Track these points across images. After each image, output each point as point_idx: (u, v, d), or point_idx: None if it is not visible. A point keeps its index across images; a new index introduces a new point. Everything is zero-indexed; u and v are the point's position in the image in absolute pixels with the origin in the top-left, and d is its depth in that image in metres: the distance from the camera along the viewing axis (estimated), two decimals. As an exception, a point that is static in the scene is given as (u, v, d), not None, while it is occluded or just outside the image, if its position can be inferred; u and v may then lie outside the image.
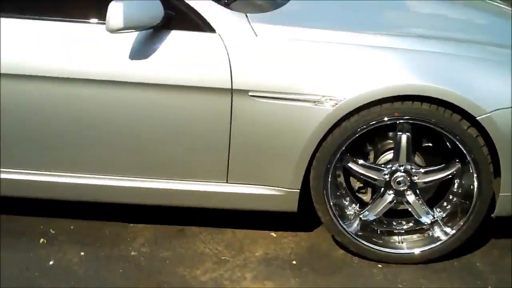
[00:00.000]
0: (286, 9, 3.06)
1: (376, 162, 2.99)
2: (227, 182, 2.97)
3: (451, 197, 3.04)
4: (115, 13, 2.57)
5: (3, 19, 2.82)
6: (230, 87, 2.75)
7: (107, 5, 2.59)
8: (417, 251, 3.01)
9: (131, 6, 2.59)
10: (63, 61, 2.77)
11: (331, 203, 2.94)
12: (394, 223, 3.10)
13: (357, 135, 2.80)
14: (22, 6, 2.87)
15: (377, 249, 3.01)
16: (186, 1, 2.76)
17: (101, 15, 2.75)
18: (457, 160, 2.91)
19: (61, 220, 3.28)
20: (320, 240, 3.20)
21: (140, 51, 2.75)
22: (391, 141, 2.96)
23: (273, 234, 3.25)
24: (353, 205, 3.06)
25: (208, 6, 2.79)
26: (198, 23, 2.78)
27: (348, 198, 3.05)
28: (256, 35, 2.78)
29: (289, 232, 3.26)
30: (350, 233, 2.99)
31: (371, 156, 3.03)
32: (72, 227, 3.24)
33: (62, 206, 3.28)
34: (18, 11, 2.84)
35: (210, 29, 2.77)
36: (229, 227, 3.27)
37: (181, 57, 2.76)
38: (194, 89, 2.77)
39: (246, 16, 2.84)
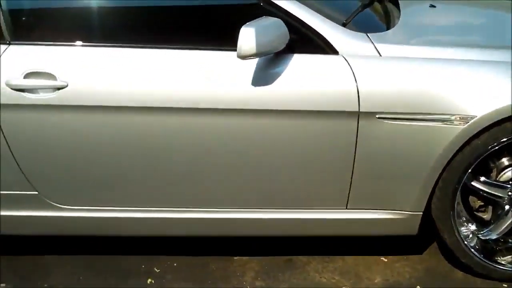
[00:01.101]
0: (402, 26, 2.98)
1: (497, 179, 2.92)
2: (346, 209, 2.87)
3: None
4: (248, 38, 2.46)
5: (127, 50, 2.69)
6: (357, 110, 2.65)
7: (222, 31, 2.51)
8: None
9: (261, 31, 2.48)
10: (183, 91, 2.64)
11: (457, 224, 2.86)
12: (510, 240, 3.04)
13: (487, 153, 2.73)
14: (136, 37, 2.74)
15: (502, 268, 2.93)
16: (308, 23, 2.67)
17: (218, 42, 2.67)
18: None
19: (161, 258, 3.13)
20: (433, 263, 3.11)
21: (263, 77, 2.64)
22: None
23: (383, 259, 3.15)
24: (469, 225, 2.98)
25: (330, 28, 2.69)
26: (320, 45, 2.68)
27: (464, 218, 2.97)
28: (380, 55, 2.70)
29: (399, 256, 3.16)
30: (476, 254, 2.91)
31: (494, 173, 2.96)
32: (175, 264, 3.09)
33: (156, 242, 3.14)
34: (136, 42, 2.71)
35: (333, 51, 2.68)
36: (335, 254, 3.16)
37: (305, 81, 2.65)
38: (319, 113, 2.66)
39: (367, 35, 2.75)
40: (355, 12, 2.96)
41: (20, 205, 2.86)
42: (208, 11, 2.81)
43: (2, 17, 2.69)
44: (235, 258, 3.13)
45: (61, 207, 2.86)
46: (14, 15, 2.75)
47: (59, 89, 2.64)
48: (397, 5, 3.31)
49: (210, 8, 2.82)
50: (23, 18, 2.82)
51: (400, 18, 3.06)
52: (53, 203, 2.86)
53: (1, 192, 2.84)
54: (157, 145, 2.72)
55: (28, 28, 2.79)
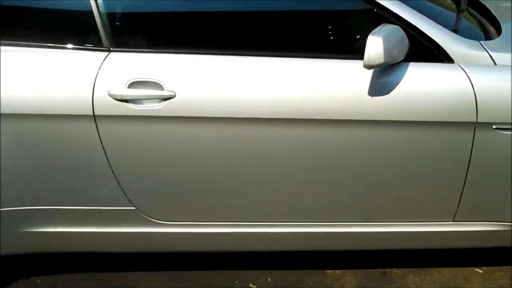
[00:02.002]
0: (507, 34, 2.90)
1: None
2: (453, 221, 2.78)
3: None
4: (376, 47, 2.35)
5: (237, 58, 2.55)
6: (475, 120, 2.56)
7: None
8: None
9: (388, 40, 2.39)
10: (293, 101, 2.52)
11: None
12: None
13: None
14: (246, 45, 2.61)
15: None
16: (423, 31, 2.57)
17: (332, 50, 2.56)
18: None
19: (253, 273, 3.01)
20: (530, 273, 3.06)
21: (378, 87, 2.53)
22: None
23: (478, 270, 3.08)
24: None
25: (445, 35, 2.59)
26: (435, 53, 2.58)
27: None
28: (495, 64, 2.61)
29: (493, 267, 3.09)
30: None
31: None
32: (269, 279, 2.98)
33: (243, 256, 3.03)
34: (246, 50, 2.58)
35: (449, 59, 2.58)
36: (427, 266, 3.08)
37: (421, 91, 2.55)
38: (434, 124, 2.57)
39: (481, 43, 2.67)
40: (458, 18, 2.87)
41: (116, 221, 2.73)
42: (318, 17, 2.69)
43: (100, 23, 2.55)
44: (328, 271, 3.03)
45: (159, 223, 2.73)
46: (113, 19, 2.60)
47: (166, 99, 2.50)
48: (482, 12, 3.24)
49: (321, 14, 2.70)
50: (123, 23, 2.67)
51: (503, 26, 2.98)
52: (150, 219, 2.72)
53: (98, 208, 2.69)
54: (265, 157, 2.60)
55: (129, 34, 2.65)
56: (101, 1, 2.54)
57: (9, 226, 2.70)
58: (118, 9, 2.64)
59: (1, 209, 2.66)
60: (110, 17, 2.58)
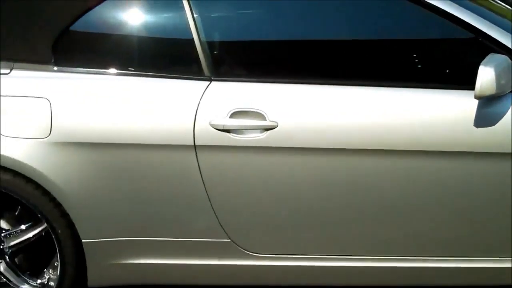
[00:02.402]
0: None
1: None
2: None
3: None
4: (488, 78, 2.30)
5: (341, 88, 2.51)
6: None
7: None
8: None
9: (499, 71, 2.33)
10: (394, 132, 2.46)
11: None
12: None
13: None
14: (349, 74, 2.58)
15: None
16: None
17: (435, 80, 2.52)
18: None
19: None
20: None
21: (484, 118, 2.46)
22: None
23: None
24: None
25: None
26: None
27: None
28: None
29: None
30: None
31: None
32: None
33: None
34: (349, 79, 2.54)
35: (556, 91, 2.52)
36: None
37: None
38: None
39: None
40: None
41: (210, 253, 2.68)
42: (422, 46, 2.65)
43: (201, 52, 2.54)
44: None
45: (254, 255, 2.67)
46: (214, 48, 2.59)
47: (267, 129, 2.47)
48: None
49: (425, 43, 2.65)
50: (224, 52, 2.66)
51: None
52: (245, 251, 2.67)
53: (192, 239, 2.66)
54: (368, 189, 2.53)
55: (230, 63, 2.63)
56: (202, 29, 2.54)
57: (99, 258, 2.68)
58: (219, 38, 2.64)
59: (92, 241, 2.64)
60: (211, 45, 2.57)
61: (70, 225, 2.63)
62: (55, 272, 2.80)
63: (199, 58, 2.53)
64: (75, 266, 2.69)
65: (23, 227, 2.73)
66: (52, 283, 2.78)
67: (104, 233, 2.64)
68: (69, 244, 2.65)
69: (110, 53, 2.61)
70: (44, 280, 2.81)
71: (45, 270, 2.84)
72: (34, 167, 2.51)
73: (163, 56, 2.62)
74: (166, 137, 2.50)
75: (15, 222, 2.79)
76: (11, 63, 2.56)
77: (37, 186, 2.56)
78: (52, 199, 2.58)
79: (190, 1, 2.54)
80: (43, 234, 2.72)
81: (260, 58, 2.63)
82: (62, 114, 2.50)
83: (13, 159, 2.50)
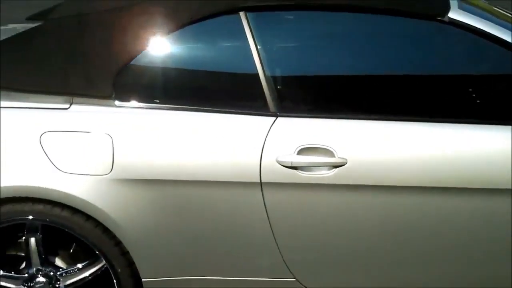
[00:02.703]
0: None
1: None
2: None
3: None
4: None
5: (407, 124, 2.42)
6: None
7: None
8: None
9: None
10: (458, 170, 2.38)
11: None
12: None
13: None
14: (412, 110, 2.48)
15: None
16: None
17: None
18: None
19: None
20: None
21: None
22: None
23: None
24: None
25: None
26: None
27: None
28: None
29: None
30: None
31: None
32: None
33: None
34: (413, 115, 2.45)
35: None
36: None
37: None
38: None
39: None
40: None
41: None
42: (488, 81, 2.57)
43: (267, 87, 2.46)
44: None
45: (318, 295, 2.59)
46: (279, 83, 2.51)
47: (336, 166, 2.38)
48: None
49: (492, 78, 2.57)
50: (289, 87, 2.58)
51: None
52: (313, 291, 2.58)
53: (255, 278, 2.57)
54: (438, 227, 2.44)
55: (296, 98, 2.55)
56: (266, 63, 2.46)
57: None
58: (284, 72, 2.56)
59: (152, 280, 2.56)
60: (276, 80, 2.49)
61: (130, 263, 2.55)
62: None
63: (264, 93, 2.45)
64: None
65: (79, 265, 2.65)
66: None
67: (164, 272, 2.56)
68: (129, 283, 2.58)
69: (171, 88, 2.54)
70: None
71: None
72: (95, 204, 2.43)
73: (227, 91, 2.54)
74: (230, 174, 2.42)
75: (69, 260, 2.72)
76: (70, 98, 2.50)
77: (97, 224, 2.48)
78: (112, 237, 2.51)
79: (253, 34, 2.46)
80: (99, 273, 2.66)
81: (327, 93, 2.54)
82: (124, 150, 2.43)
83: (73, 196, 2.43)
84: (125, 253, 2.53)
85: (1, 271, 2.66)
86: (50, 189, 2.43)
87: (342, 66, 2.58)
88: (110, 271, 2.57)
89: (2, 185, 2.43)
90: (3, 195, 2.44)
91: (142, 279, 2.56)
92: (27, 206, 2.49)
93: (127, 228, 2.47)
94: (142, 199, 2.45)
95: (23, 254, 2.69)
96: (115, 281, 2.59)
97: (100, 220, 2.46)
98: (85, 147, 2.44)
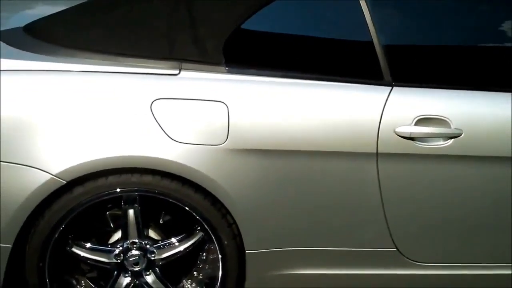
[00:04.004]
0: None
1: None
2: None
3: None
4: None
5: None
6: None
7: None
8: None
9: None
10: None
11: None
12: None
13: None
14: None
15: None
16: None
17: None
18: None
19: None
20: None
21: None
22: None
23: None
24: None
25: None
26: None
27: None
28: None
29: None
30: None
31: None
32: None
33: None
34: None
35: None
36: None
37: None
38: None
39: None
40: None
41: (373, 263, 2.59)
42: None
43: (381, 55, 2.43)
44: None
45: (418, 265, 2.60)
46: (394, 53, 2.48)
47: (451, 137, 2.40)
48: None
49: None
50: (405, 57, 2.54)
51: None
52: (410, 260, 2.60)
53: (358, 249, 2.57)
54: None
55: (411, 68, 2.52)
56: (381, 31, 2.43)
57: (260, 269, 2.55)
58: (400, 41, 2.54)
59: (256, 251, 2.50)
60: (391, 49, 2.46)
61: (235, 236, 2.49)
62: (193, 285, 2.67)
63: (379, 63, 2.43)
64: (236, 279, 2.55)
65: (174, 239, 2.56)
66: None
67: (268, 243, 2.51)
68: (234, 256, 2.51)
69: (283, 55, 2.47)
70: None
71: (184, 280, 2.69)
72: (209, 175, 2.35)
73: (340, 59, 2.50)
74: (347, 145, 2.40)
75: (161, 234, 2.62)
76: (178, 64, 2.39)
77: (206, 195, 2.40)
78: (219, 209, 2.44)
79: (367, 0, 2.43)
80: (190, 248, 2.57)
81: (443, 63, 2.54)
82: (239, 119, 2.35)
83: (187, 166, 2.33)
84: (230, 225, 2.47)
85: (89, 243, 2.54)
86: (163, 160, 2.32)
87: (460, 36, 2.59)
88: (216, 244, 2.49)
89: (110, 156, 2.31)
90: (111, 166, 2.32)
91: (246, 251, 2.50)
92: (135, 177, 2.37)
93: (238, 199, 2.40)
94: (255, 170, 2.39)
95: (109, 228, 2.58)
96: (220, 256, 2.51)
97: (212, 191, 2.38)
98: (198, 116, 2.34)
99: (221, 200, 2.40)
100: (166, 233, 2.60)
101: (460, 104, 2.43)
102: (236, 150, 2.35)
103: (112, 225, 2.58)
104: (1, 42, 2.50)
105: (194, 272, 2.69)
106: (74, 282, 2.63)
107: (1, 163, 2.31)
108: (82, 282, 2.63)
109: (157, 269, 2.57)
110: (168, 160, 2.32)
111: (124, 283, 2.56)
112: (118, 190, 2.38)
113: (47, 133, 2.30)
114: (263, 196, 2.42)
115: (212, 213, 2.43)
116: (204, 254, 2.64)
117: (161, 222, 2.61)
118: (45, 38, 2.55)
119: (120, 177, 2.36)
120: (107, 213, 2.57)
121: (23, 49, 2.46)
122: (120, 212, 2.52)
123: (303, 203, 2.47)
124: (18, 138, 2.31)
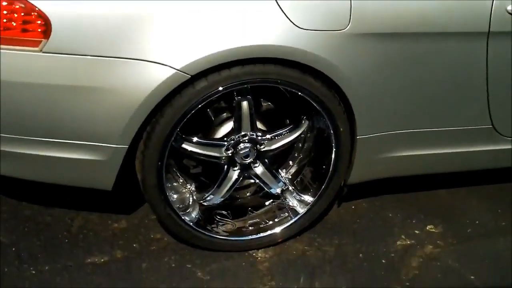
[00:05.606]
0: None
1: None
2: None
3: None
4: None
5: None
6: None
7: None
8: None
9: None
10: None
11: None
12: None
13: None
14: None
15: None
16: None
17: None
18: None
19: None
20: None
21: None
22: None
23: None
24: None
25: None
26: None
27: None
28: None
29: None
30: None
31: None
32: None
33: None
34: None
35: None
36: None
37: None
38: None
39: None
40: None
41: (469, 140, 2.70)
42: None
43: None
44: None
45: (509, 140, 2.73)
46: None
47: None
48: None
49: None
50: None
51: None
52: (503, 136, 2.71)
53: (457, 128, 2.66)
54: None
55: None
56: None
57: (368, 154, 2.59)
58: None
59: (366, 136, 2.53)
60: None
61: (349, 122, 2.49)
62: (288, 174, 2.71)
63: None
64: (347, 164, 2.58)
65: (282, 130, 2.54)
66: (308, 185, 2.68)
67: (378, 128, 2.53)
68: (347, 141, 2.52)
69: None
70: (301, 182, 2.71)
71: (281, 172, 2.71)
72: (332, 61, 2.30)
73: None
74: (461, 25, 2.41)
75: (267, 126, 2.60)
76: None
77: (324, 82, 2.37)
78: (334, 96, 2.42)
79: None
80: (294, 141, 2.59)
81: None
82: (361, 4, 2.29)
83: (311, 53, 2.27)
84: (344, 112, 2.47)
85: (196, 138, 2.47)
86: (290, 48, 2.25)
87: None
88: (331, 132, 2.49)
89: (234, 46, 2.21)
90: (234, 58, 2.23)
91: (357, 137, 2.52)
92: (257, 68, 2.29)
93: (357, 85, 2.39)
94: (374, 54, 2.37)
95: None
96: (333, 143, 2.51)
97: (333, 77, 2.34)
98: (321, 1, 2.27)
99: (341, 86, 2.37)
100: (268, 125, 2.59)
101: None
102: (358, 35, 2.31)
103: (215, 120, 2.53)
104: None
105: (290, 162, 2.72)
106: (181, 180, 2.60)
107: (117, 59, 2.17)
108: (183, 179, 2.62)
109: (266, 160, 2.56)
110: (294, 48, 2.26)
111: (234, 177, 2.54)
112: (241, 80, 2.29)
113: (167, 27, 2.17)
114: (380, 80, 2.42)
115: (332, 101, 2.42)
116: (300, 144, 2.68)
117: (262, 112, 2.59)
118: None
119: (243, 68, 2.27)
120: (208, 109, 2.51)
121: None
122: (223, 106, 2.48)
123: (415, 86, 2.49)
124: (134, 31, 2.16)
